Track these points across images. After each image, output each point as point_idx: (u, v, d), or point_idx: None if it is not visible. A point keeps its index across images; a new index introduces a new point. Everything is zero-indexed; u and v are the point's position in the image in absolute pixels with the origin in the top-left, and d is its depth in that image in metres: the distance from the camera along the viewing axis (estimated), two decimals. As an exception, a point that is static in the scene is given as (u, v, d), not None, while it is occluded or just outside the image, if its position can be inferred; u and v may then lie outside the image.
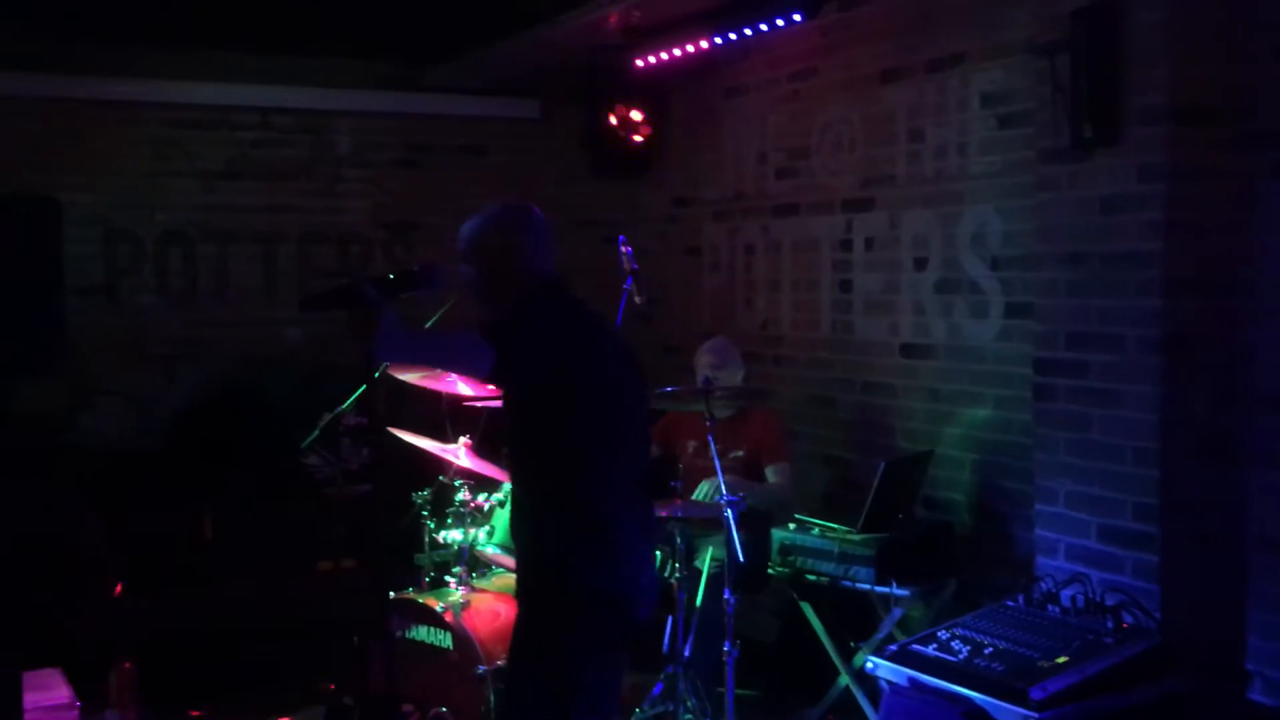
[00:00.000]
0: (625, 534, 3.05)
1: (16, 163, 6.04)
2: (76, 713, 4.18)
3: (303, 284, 6.79)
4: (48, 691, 4.21)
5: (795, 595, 4.58)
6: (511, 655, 3.15)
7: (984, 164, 4.70)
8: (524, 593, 3.17)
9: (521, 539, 3.17)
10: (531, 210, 3.19)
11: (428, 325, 4.62)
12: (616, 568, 3.01)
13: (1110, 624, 3.47)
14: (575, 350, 3.00)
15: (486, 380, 3.39)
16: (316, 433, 4.86)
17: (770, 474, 4.89)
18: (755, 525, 4.54)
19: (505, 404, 3.14)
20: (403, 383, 4.52)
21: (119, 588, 5.36)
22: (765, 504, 4.68)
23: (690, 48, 5.60)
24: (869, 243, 5.30)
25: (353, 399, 4.73)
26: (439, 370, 4.15)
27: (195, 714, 4.88)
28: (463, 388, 4.51)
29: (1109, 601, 3.55)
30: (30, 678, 4.17)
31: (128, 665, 4.83)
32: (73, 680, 4.32)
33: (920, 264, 5.01)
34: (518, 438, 3.11)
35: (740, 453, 4.87)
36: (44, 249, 5.10)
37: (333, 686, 4.86)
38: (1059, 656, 3.32)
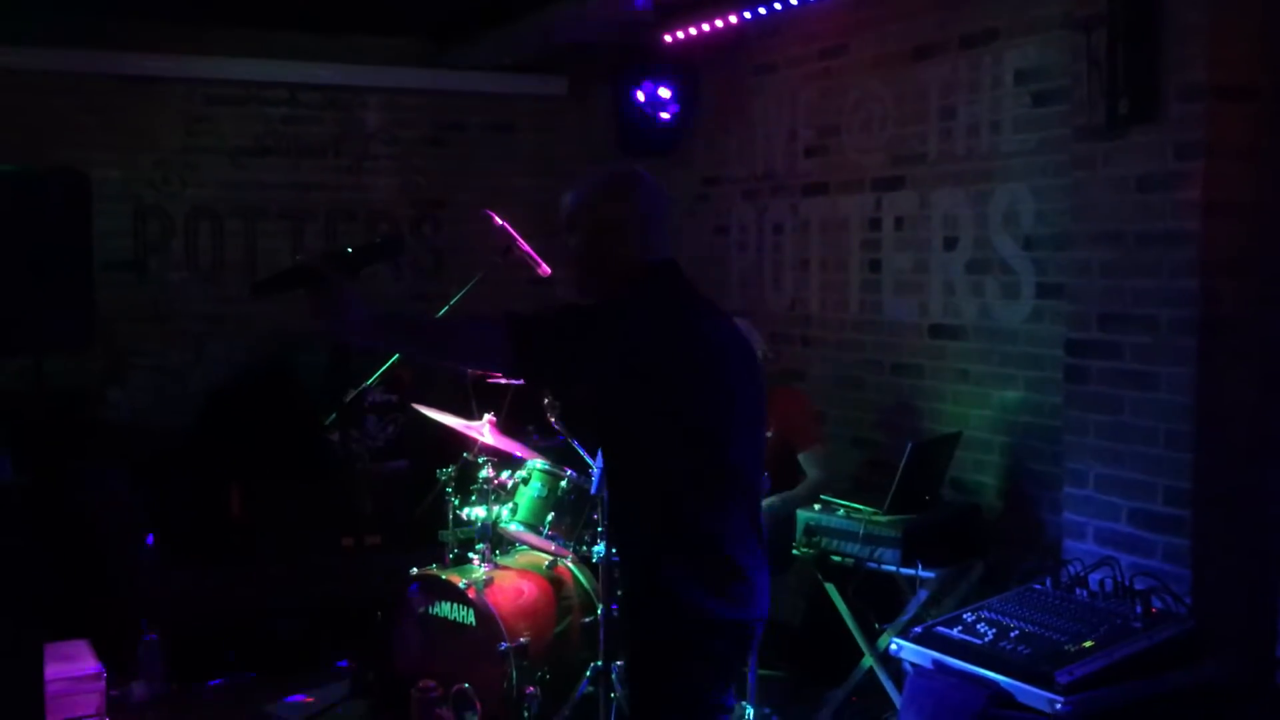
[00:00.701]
0: (736, 549, 2.62)
1: (48, 138, 6.09)
2: (103, 683, 4.22)
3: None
4: (75, 662, 4.26)
5: (820, 576, 4.55)
6: (630, 681, 2.79)
7: (1017, 142, 4.63)
8: (633, 615, 2.76)
9: (625, 553, 2.79)
10: (645, 178, 2.73)
11: (452, 302, 4.60)
12: (731, 590, 2.60)
13: (1139, 609, 3.42)
14: (670, 359, 2.56)
15: (515, 378, 3.05)
16: (339, 409, 4.87)
17: (805, 462, 4.85)
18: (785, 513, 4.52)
19: (590, 407, 2.74)
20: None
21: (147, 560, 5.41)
22: (804, 503, 4.61)
23: (720, 23, 5.55)
24: (899, 222, 5.24)
25: (377, 375, 4.73)
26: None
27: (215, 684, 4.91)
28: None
29: (1138, 586, 3.50)
30: (58, 648, 4.22)
31: (155, 637, 4.88)
32: (100, 651, 4.36)
33: (950, 244, 4.95)
34: (609, 445, 2.74)
35: (769, 434, 4.83)
36: (74, 224, 5.12)
37: (356, 661, 4.88)
38: (1086, 641, 3.27)
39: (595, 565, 4.24)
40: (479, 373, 4.59)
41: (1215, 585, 3.63)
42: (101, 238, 5.80)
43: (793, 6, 5.20)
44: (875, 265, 5.37)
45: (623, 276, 2.65)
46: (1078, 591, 3.59)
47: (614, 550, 2.88)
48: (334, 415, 4.79)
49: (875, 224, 5.36)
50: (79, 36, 6.17)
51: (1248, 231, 3.65)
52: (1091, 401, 3.92)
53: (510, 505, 4.54)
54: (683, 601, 2.57)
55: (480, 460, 4.63)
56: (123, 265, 6.41)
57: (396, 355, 4.65)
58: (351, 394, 4.86)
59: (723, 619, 2.59)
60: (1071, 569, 3.68)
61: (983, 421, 4.79)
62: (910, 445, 4.39)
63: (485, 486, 4.56)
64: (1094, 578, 3.59)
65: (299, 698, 4.87)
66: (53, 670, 3.89)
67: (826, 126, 5.63)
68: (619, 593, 2.94)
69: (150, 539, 5.51)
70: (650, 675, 2.65)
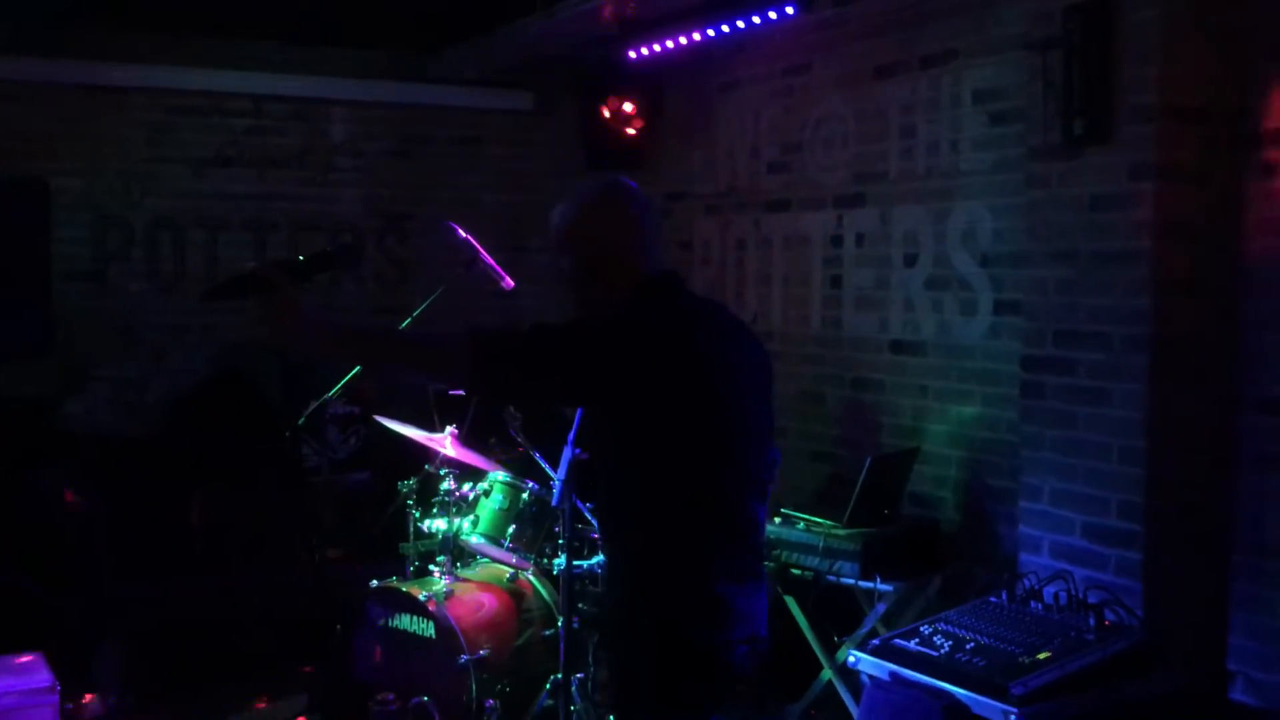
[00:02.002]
0: (733, 586, 2.55)
1: (7, 147, 6.03)
2: (56, 697, 4.16)
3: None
4: (28, 675, 4.20)
5: (780, 589, 4.58)
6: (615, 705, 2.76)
7: (975, 161, 4.70)
8: (617, 639, 2.77)
9: (614, 573, 2.77)
10: (633, 188, 2.67)
11: (414, 315, 4.60)
12: (722, 627, 2.53)
13: (1092, 621, 3.47)
14: (672, 374, 2.47)
15: (475, 394, 2.89)
16: (302, 420, 4.85)
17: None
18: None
19: (586, 424, 2.77)
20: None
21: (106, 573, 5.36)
22: None
23: (684, 40, 5.59)
24: (860, 239, 5.30)
25: (339, 386, 4.71)
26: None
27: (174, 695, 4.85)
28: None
29: (1092, 599, 3.55)
30: (10, 661, 4.16)
31: (112, 648, 4.83)
32: (56, 662, 4.31)
33: (910, 260, 5.01)
34: (602, 465, 2.66)
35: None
36: (33, 232, 5.10)
37: (313, 672, 4.86)
38: (1040, 653, 3.31)
39: (556, 578, 4.25)
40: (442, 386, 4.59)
41: (1167, 598, 3.69)
42: (61, 247, 5.78)
43: (756, 25, 5.25)
44: (836, 281, 5.43)
45: (623, 290, 2.58)
46: (1032, 605, 3.63)
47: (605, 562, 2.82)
48: (296, 426, 4.76)
49: (837, 240, 5.42)
50: (40, 45, 6.12)
51: (1199, 251, 3.72)
52: (1047, 417, 3.97)
53: (471, 517, 4.54)
54: (662, 628, 2.52)
55: (442, 472, 4.62)
56: (82, 275, 6.36)
57: (358, 368, 4.65)
58: (313, 405, 4.84)
59: (705, 653, 2.52)
60: (1027, 582, 3.72)
61: (941, 437, 4.84)
62: (869, 460, 4.44)
63: (446, 499, 4.56)
64: (1048, 591, 3.64)
65: (261, 710, 4.84)
66: (4, 684, 3.84)
67: (789, 144, 5.69)
68: (604, 609, 2.88)
69: (108, 550, 5.45)
70: (637, 698, 2.59)
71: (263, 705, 4.88)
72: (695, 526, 2.54)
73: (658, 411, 2.47)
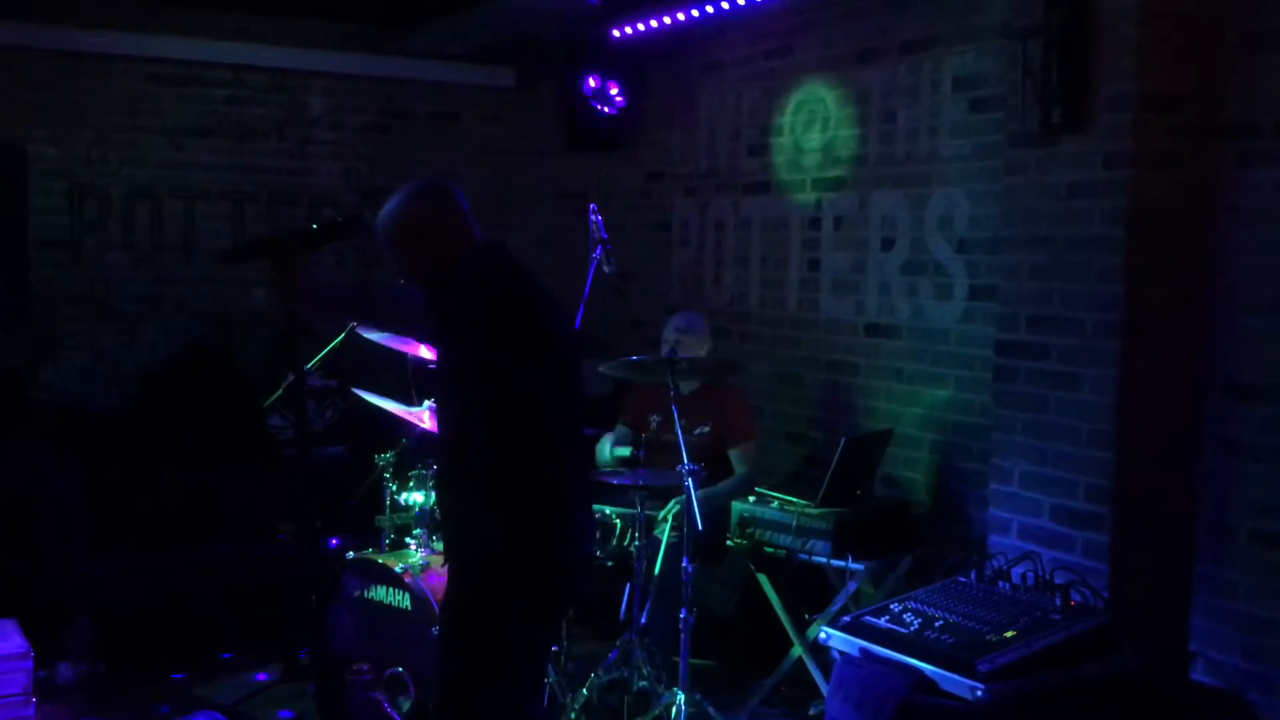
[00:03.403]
0: (565, 500, 3.04)
1: (-18, 112, 5.98)
2: (30, 662, 4.17)
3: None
4: (3, 640, 4.21)
5: (753, 567, 4.63)
6: (441, 625, 3.14)
7: (954, 147, 4.74)
8: (455, 560, 3.10)
9: (454, 505, 3.12)
10: (449, 186, 3.13)
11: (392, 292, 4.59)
12: (554, 537, 3.00)
13: (1059, 601, 3.53)
14: (518, 307, 2.96)
15: (425, 338, 3.37)
16: (279, 393, 4.86)
17: (735, 458, 4.92)
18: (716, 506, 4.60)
19: (441, 367, 3.08)
20: (371, 344, 4.52)
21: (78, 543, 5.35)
22: (731, 497, 4.70)
23: (668, 20, 5.60)
24: (838, 222, 5.34)
25: (317, 360, 4.73)
26: (381, 330, 4.09)
27: (168, 691, 4.86)
28: (425, 352, 4.51)
29: (1058, 580, 3.61)
30: (-17, 627, 4.17)
31: (84, 619, 4.83)
32: (28, 633, 4.31)
33: (887, 244, 5.06)
34: (457, 400, 3.05)
35: (706, 429, 4.90)
36: (9, 200, 5.05)
37: (288, 644, 4.87)
38: (1007, 631, 3.37)
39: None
40: (418, 358, 4.61)
41: (1132, 580, 3.76)
42: (36, 216, 5.73)
43: (739, 6, 5.27)
44: (814, 264, 5.47)
45: (457, 259, 3.02)
46: (1000, 585, 3.70)
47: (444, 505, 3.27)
48: (276, 396, 4.77)
49: (815, 224, 5.46)
50: (19, 9, 6.06)
51: (1171, 238, 3.78)
52: (1019, 401, 4.03)
53: (448, 491, 4.55)
54: (501, 541, 2.96)
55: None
56: (57, 244, 6.30)
57: (338, 340, 4.66)
58: (290, 378, 4.85)
59: (538, 563, 2.99)
60: (995, 563, 3.78)
61: (914, 419, 4.90)
62: (843, 441, 4.49)
63: (424, 472, 4.58)
64: (1016, 571, 3.70)
65: (232, 679, 4.85)
66: (-21, 648, 3.85)
67: (770, 126, 5.72)
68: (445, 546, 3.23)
69: (83, 521, 5.44)
70: (457, 611, 3.06)
71: (236, 677, 4.90)
72: (549, 449, 3.00)
73: (510, 345, 2.92)
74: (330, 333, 4.91)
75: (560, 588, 3.07)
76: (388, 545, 4.69)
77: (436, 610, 4.19)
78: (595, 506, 4.28)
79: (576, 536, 3.10)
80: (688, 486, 4.07)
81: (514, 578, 2.98)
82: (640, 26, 5.75)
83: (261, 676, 4.86)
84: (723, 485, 4.81)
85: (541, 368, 3.00)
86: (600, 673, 4.33)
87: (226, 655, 5.07)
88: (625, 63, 6.25)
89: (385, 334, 4.35)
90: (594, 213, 4.73)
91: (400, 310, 3.00)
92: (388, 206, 3.07)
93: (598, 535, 4.41)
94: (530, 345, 2.97)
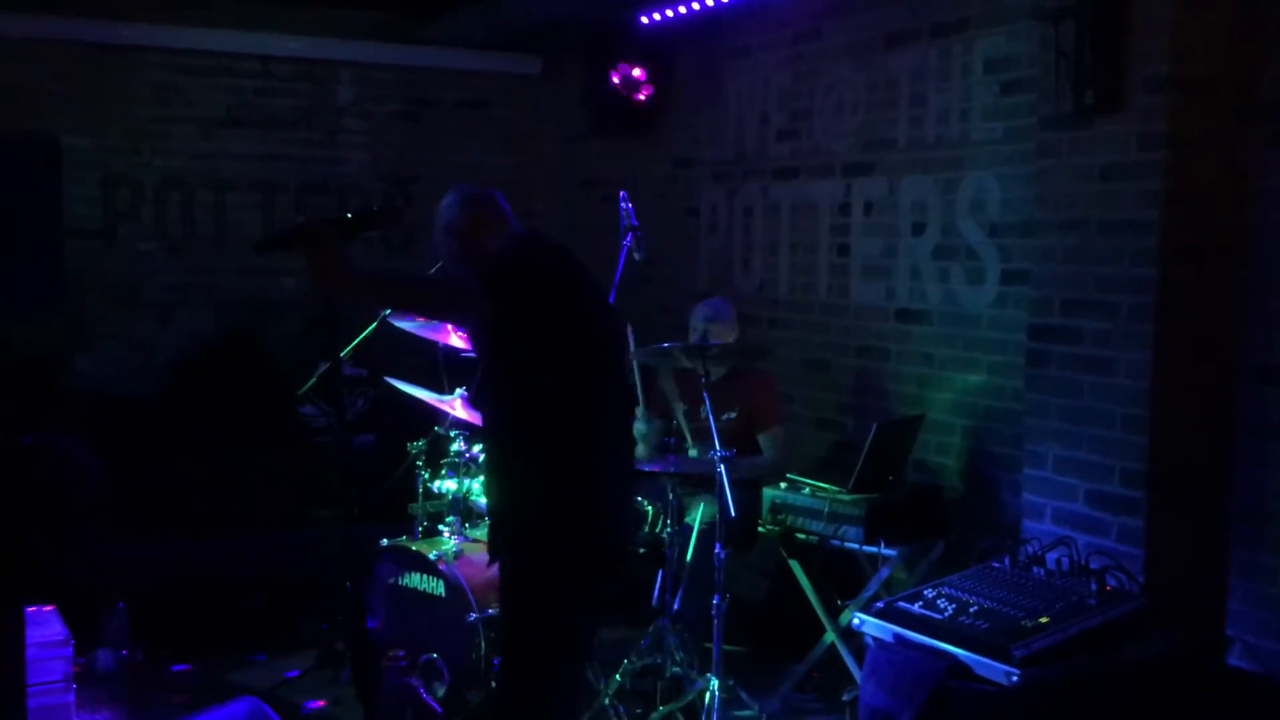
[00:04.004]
0: (609, 472, 3.17)
1: (15, 104, 6.03)
2: (71, 650, 4.22)
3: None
4: (42, 628, 4.25)
5: (784, 553, 4.63)
6: (501, 599, 3.28)
7: (985, 130, 4.71)
8: (502, 536, 3.22)
9: (500, 482, 3.21)
10: (490, 193, 3.38)
11: (424, 280, 4.60)
12: (599, 508, 3.12)
13: (1094, 586, 3.52)
14: (564, 287, 3.13)
15: (476, 322, 3.41)
16: (313, 380, 4.89)
17: (764, 442, 4.92)
18: (746, 483, 4.59)
19: (488, 347, 3.19)
20: (400, 332, 4.54)
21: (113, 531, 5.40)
22: (758, 474, 4.71)
23: (695, 5, 5.58)
24: (868, 207, 5.32)
25: (350, 348, 4.75)
26: (418, 314, 4.23)
27: (184, 668, 4.90)
28: (456, 340, 4.53)
29: (1093, 565, 3.60)
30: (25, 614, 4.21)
31: (122, 606, 4.88)
32: (66, 620, 4.36)
33: (918, 229, 5.03)
34: (501, 382, 3.15)
35: (734, 414, 4.89)
36: (44, 190, 5.08)
37: (322, 630, 4.91)
38: (1042, 617, 3.36)
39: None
40: (449, 346, 4.62)
41: (1167, 565, 3.74)
42: (69, 206, 5.77)
43: (768, -10, 5.25)
44: (844, 250, 5.45)
45: (505, 242, 3.23)
46: (1035, 570, 3.69)
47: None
48: (310, 384, 4.81)
49: (845, 209, 5.44)
50: (49, 3, 6.11)
51: (1205, 221, 3.75)
52: (1052, 385, 4.01)
53: (481, 478, 4.58)
54: (547, 513, 3.07)
55: (451, 434, 4.67)
56: (91, 234, 6.37)
57: (371, 328, 4.68)
58: (323, 366, 4.89)
59: (583, 532, 3.09)
60: (1029, 548, 3.77)
61: (946, 405, 4.88)
62: (875, 426, 4.48)
63: (457, 460, 4.60)
64: (1051, 557, 3.69)
65: (266, 666, 4.90)
66: (21, 636, 3.89)
67: (798, 111, 5.70)
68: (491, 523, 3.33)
69: (116, 509, 5.50)
70: (511, 584, 3.19)
71: (271, 663, 4.94)
72: (594, 429, 3.11)
73: (557, 312, 3.08)
74: (362, 321, 4.93)
75: (605, 564, 3.19)
76: (420, 533, 4.72)
77: (470, 597, 4.22)
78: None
79: (618, 506, 3.24)
80: (720, 474, 4.07)
81: (560, 556, 3.09)
82: (668, 13, 5.74)
83: (294, 668, 4.89)
84: (748, 461, 4.81)
85: (586, 342, 3.13)
86: (633, 658, 4.34)
87: (260, 642, 5.11)
88: (652, 49, 6.24)
89: (419, 322, 4.37)
90: (624, 200, 4.73)
91: (445, 296, 3.13)
92: (441, 206, 3.35)
93: (640, 518, 4.47)
94: (575, 316, 3.12)
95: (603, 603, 3.28)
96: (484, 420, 3.32)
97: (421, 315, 4.16)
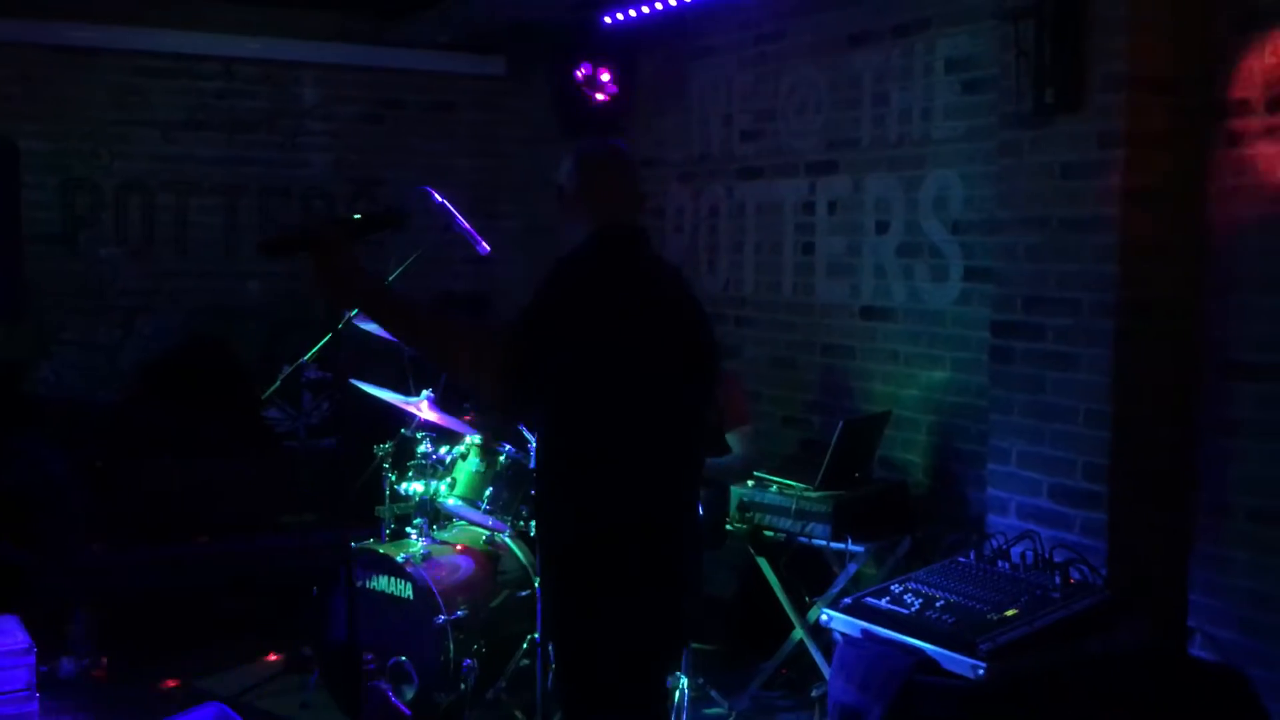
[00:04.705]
0: (662, 545, 2.69)
1: (-28, 107, 5.96)
2: (33, 658, 4.17)
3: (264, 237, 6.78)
4: (5, 637, 4.20)
5: (752, 551, 4.65)
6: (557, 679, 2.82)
7: (947, 129, 4.75)
8: (549, 624, 2.80)
9: (546, 537, 2.79)
10: (614, 148, 2.89)
11: (389, 280, 4.58)
12: (645, 594, 2.64)
13: (1058, 580, 3.55)
14: (610, 327, 2.62)
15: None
16: (277, 384, 4.85)
17: (733, 441, 4.94)
18: (714, 481, 4.60)
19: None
20: (366, 335, 4.52)
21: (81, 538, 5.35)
22: (728, 474, 4.73)
23: (659, 6, 5.59)
24: (832, 206, 5.34)
25: (314, 351, 4.72)
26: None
27: (171, 684, 4.85)
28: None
29: (1057, 558, 3.63)
30: (-13, 623, 4.17)
31: (85, 613, 4.84)
32: (30, 627, 4.31)
33: (882, 227, 5.06)
34: (545, 424, 2.75)
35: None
36: (2, 195, 5.03)
37: (291, 636, 4.88)
38: (1008, 610, 3.39)
39: (533, 540, 4.29)
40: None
41: (1131, 558, 3.78)
42: (29, 210, 5.72)
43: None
44: (809, 248, 5.47)
45: (580, 235, 2.78)
46: (1000, 564, 3.71)
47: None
48: (274, 388, 4.77)
49: (809, 208, 5.46)
50: (5, 5, 6.04)
51: (1165, 218, 3.79)
52: (1015, 381, 4.05)
53: (449, 481, 4.57)
54: (592, 595, 2.63)
55: (418, 436, 4.65)
56: (50, 238, 6.30)
57: (334, 331, 4.65)
58: (287, 370, 4.85)
59: (628, 627, 2.63)
60: (994, 542, 3.80)
61: (911, 401, 4.92)
62: (841, 424, 4.50)
63: (423, 462, 4.59)
64: (1015, 551, 3.72)
65: (232, 672, 4.86)
66: (-19, 644, 3.85)
67: (762, 111, 5.72)
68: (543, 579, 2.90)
69: (80, 515, 5.45)
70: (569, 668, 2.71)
71: (239, 669, 4.91)
72: (642, 484, 2.66)
73: (596, 368, 2.60)
74: (330, 321, 4.90)
75: (663, 635, 2.73)
76: (388, 535, 4.70)
77: (439, 599, 4.21)
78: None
79: (674, 581, 2.72)
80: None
81: (609, 630, 2.64)
82: (631, 13, 5.74)
83: (261, 674, 4.85)
84: (725, 459, 4.83)
85: (633, 398, 2.64)
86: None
87: (224, 646, 5.07)
88: (617, 49, 6.25)
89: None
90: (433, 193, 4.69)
91: (468, 356, 2.59)
92: (566, 155, 2.88)
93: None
94: (624, 371, 2.63)
95: (662, 681, 2.84)
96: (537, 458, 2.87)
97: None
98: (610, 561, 2.63)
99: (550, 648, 2.73)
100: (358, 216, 2.64)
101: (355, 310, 2.79)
